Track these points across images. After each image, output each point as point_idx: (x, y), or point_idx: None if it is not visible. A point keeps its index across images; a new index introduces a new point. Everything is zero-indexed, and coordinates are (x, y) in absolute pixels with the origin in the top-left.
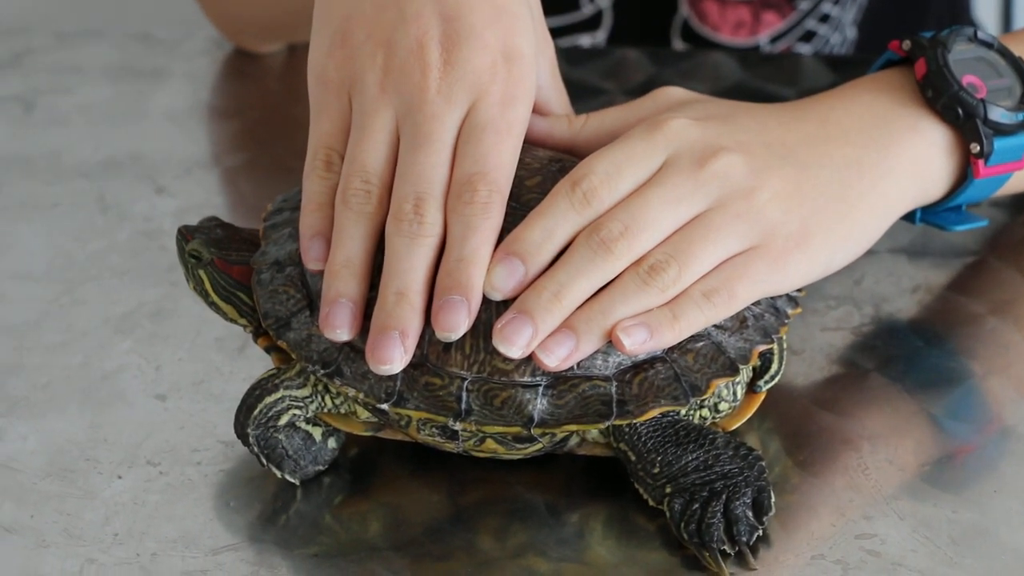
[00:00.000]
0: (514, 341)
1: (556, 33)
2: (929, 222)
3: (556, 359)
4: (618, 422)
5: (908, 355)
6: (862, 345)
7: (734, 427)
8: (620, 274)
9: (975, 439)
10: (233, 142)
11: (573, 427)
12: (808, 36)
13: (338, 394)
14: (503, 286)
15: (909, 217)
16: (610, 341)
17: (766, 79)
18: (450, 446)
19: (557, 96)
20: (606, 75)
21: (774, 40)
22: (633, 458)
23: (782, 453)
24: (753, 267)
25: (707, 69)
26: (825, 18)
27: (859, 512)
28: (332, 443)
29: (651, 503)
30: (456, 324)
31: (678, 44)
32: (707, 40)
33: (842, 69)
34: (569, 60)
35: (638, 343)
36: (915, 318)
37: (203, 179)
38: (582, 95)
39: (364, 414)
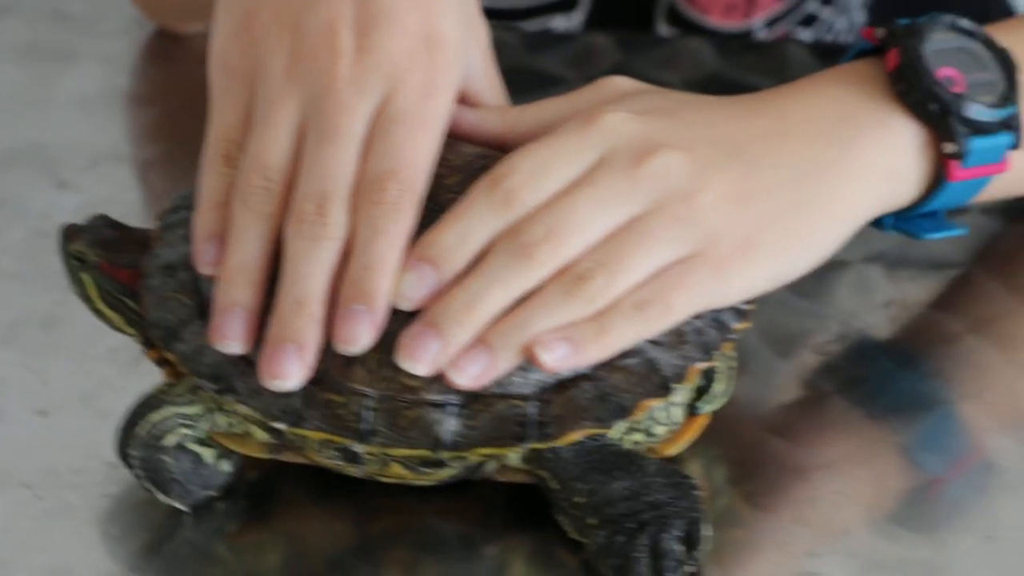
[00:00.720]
0: (420, 357)
1: (526, 14)
2: (900, 229)
3: (468, 377)
4: (536, 445)
5: (875, 377)
6: (824, 365)
7: (672, 453)
8: (543, 284)
9: (942, 471)
10: (149, 132)
11: (487, 451)
12: (809, 20)
13: (232, 412)
14: (412, 295)
15: (878, 223)
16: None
17: (748, 69)
18: (353, 470)
19: (490, 86)
20: (572, 63)
21: (771, 24)
22: (555, 486)
23: (726, 483)
24: (692, 276)
25: (683, 57)
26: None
27: (804, 548)
28: (225, 466)
29: (573, 535)
30: (358, 337)
31: (663, 29)
32: (695, 24)
33: (837, 60)
34: (530, 46)
35: (559, 359)
36: (886, 336)
37: (111, 173)
38: (544, 85)
39: (261, 435)
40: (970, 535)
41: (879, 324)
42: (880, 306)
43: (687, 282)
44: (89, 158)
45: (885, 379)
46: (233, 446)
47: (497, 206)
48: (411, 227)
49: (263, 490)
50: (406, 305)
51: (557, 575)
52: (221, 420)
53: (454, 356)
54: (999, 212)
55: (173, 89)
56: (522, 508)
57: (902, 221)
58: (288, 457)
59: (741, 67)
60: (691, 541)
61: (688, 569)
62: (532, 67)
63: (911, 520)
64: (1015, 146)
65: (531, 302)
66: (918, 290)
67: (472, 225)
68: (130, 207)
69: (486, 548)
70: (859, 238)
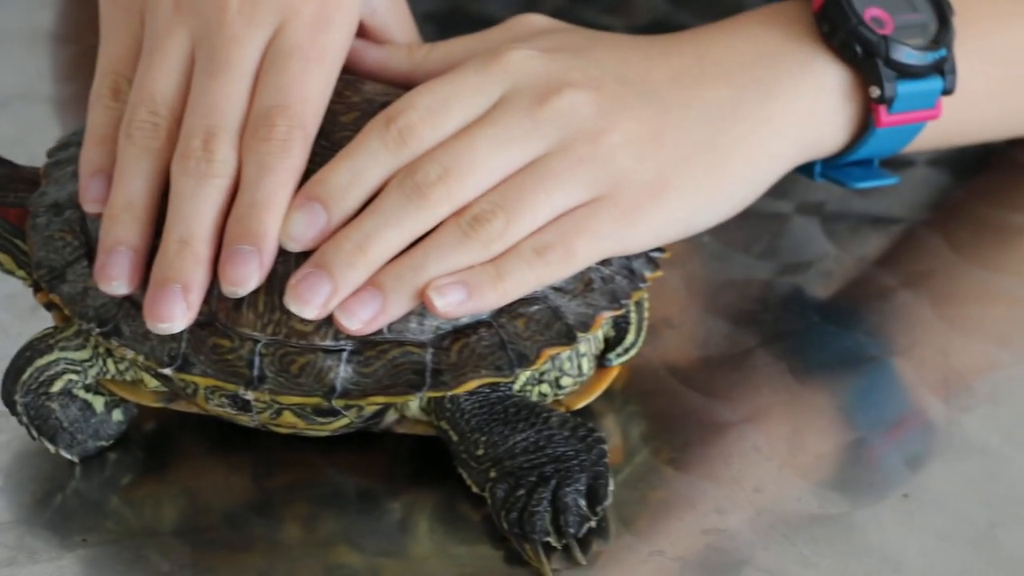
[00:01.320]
0: (309, 300)
1: None
2: (829, 177)
3: (359, 321)
4: (432, 394)
5: (800, 331)
6: (749, 318)
7: (580, 406)
8: (438, 226)
9: (865, 429)
10: (67, 71)
11: (381, 399)
12: None
13: (121, 358)
14: (301, 235)
15: (807, 171)
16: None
17: (699, 15)
18: (244, 419)
19: (398, 21)
20: (517, 7)
21: None
22: (455, 438)
23: (639, 439)
24: (597, 220)
25: (632, 2)
26: None
27: (712, 505)
28: (118, 415)
29: (475, 489)
30: (245, 278)
31: None
32: None
33: None
34: None
35: (453, 304)
36: (815, 290)
37: (22, 112)
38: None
39: (152, 382)
40: (885, 494)
41: (811, 278)
42: (812, 259)
43: (591, 226)
44: (1, 96)
45: (813, 334)
46: (124, 394)
47: (391, 144)
48: (300, 165)
49: (158, 441)
50: (294, 246)
51: (460, 530)
52: (111, 366)
53: (344, 300)
54: (947, 163)
55: (95, 27)
56: (425, 462)
57: (831, 169)
58: (182, 406)
59: (691, 12)
60: (594, 496)
61: (590, 525)
62: (475, 12)
63: (827, 478)
64: (947, 91)
65: (425, 244)
66: (855, 243)
67: (365, 163)
68: (39, 147)
69: (388, 503)
70: (797, 188)
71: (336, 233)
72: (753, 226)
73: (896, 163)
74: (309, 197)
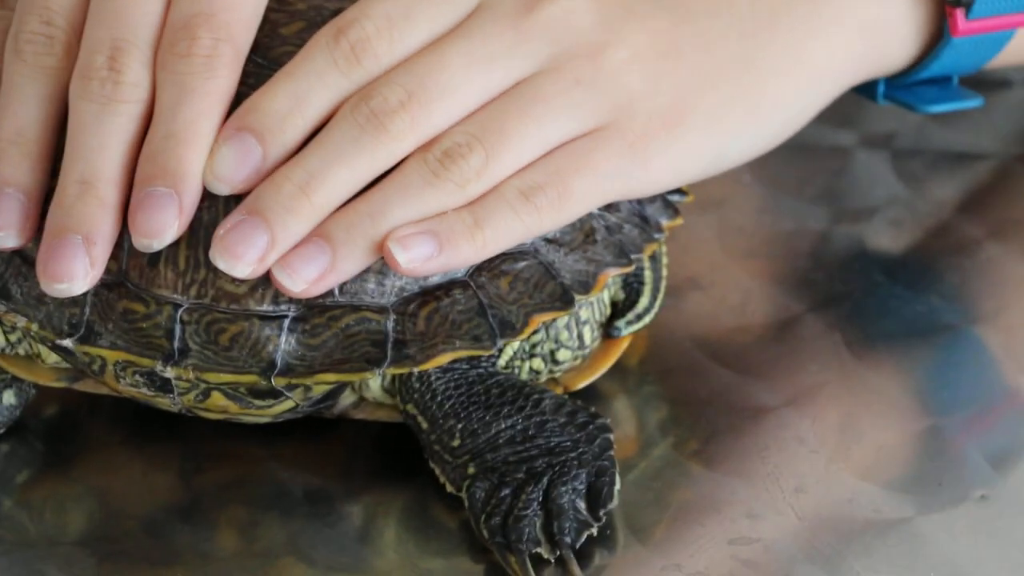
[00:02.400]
0: (241, 254)
1: None
2: (896, 100)
3: (303, 281)
4: (395, 370)
5: (860, 294)
6: (795, 277)
7: (581, 385)
8: (401, 163)
9: (933, 415)
10: None
11: (331, 377)
12: None
13: (12, 327)
14: (230, 175)
15: (869, 92)
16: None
17: None
18: (164, 402)
19: None
20: None
21: None
22: (425, 426)
23: (655, 427)
24: (599, 155)
25: None
26: None
27: (743, 508)
28: (10, 398)
29: (450, 489)
30: (161, 227)
31: None
32: None
33: None
34: None
35: (419, 259)
36: (880, 242)
37: None
38: None
39: (51, 357)
40: (960, 496)
41: (873, 227)
42: (878, 204)
43: (592, 162)
44: None
45: (875, 297)
46: (17, 372)
47: (341, 62)
48: (229, 88)
49: (60, 430)
50: (222, 188)
51: (432, 539)
52: (1, 338)
53: (285, 254)
54: None
55: None
56: (390, 455)
57: (899, 89)
58: (89, 387)
59: None
60: (596, 498)
61: (590, 533)
62: None
63: (887, 476)
64: None
65: (384, 186)
66: (932, 186)
67: (309, 86)
68: None
69: (345, 506)
70: (860, 115)
71: (274, 172)
72: (805, 163)
73: (983, 83)
74: (240, 128)
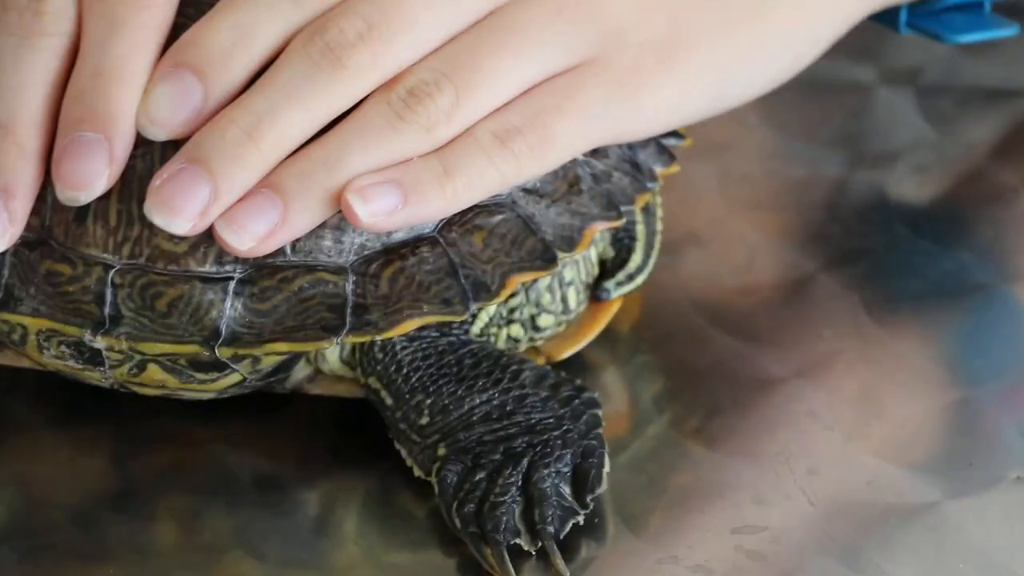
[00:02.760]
0: (180, 207)
1: None
2: (920, 29)
3: (251, 237)
4: (355, 338)
5: (880, 250)
6: (808, 231)
7: (566, 355)
8: (361, 103)
9: (964, 387)
10: None
11: (283, 347)
12: None
13: None
14: (167, 117)
15: (890, 20)
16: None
17: None
18: (93, 376)
19: None
20: None
21: None
22: (390, 401)
23: (650, 401)
24: (584, 94)
25: None
26: None
27: (749, 493)
28: None
29: (418, 473)
30: (89, 177)
31: None
32: None
33: None
34: None
35: (382, 212)
36: (904, 191)
37: None
38: None
39: None
40: (994, 477)
41: (899, 175)
42: (903, 148)
43: (577, 101)
44: None
45: (897, 253)
46: None
47: None
48: (165, 18)
49: None
50: (158, 133)
51: (398, 530)
52: None
53: (230, 207)
54: None
55: None
56: (351, 436)
57: (922, 17)
58: (8, 359)
59: None
60: (583, 482)
61: (576, 521)
62: None
63: (912, 456)
64: None
65: (342, 129)
66: (962, 127)
67: (256, 16)
68: None
69: (300, 493)
70: (881, 48)
71: (217, 115)
72: (818, 101)
73: (1019, 9)
74: (178, 64)
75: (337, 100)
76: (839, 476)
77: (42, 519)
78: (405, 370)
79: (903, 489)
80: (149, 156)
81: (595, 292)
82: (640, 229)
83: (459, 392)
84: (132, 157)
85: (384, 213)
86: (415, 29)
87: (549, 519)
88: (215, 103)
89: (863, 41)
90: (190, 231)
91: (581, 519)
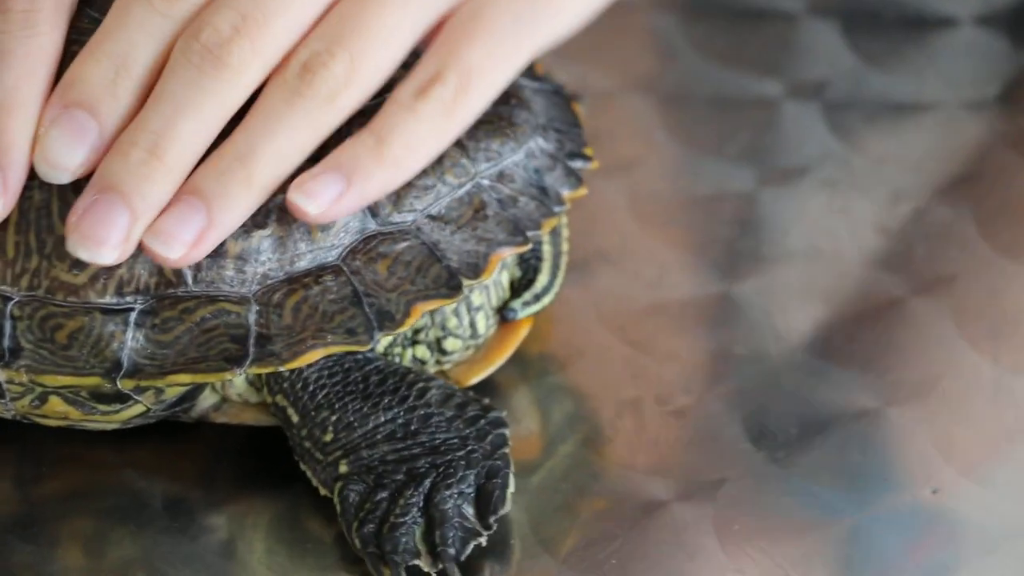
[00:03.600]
0: (103, 238)
1: None
2: None
3: (180, 245)
4: (258, 370)
5: (791, 263)
6: (718, 248)
7: (474, 381)
8: (262, 92)
9: (877, 399)
10: None
11: (186, 378)
12: None
13: None
14: (67, 159)
15: None
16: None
17: None
18: None
19: None
20: None
21: None
22: (296, 419)
23: (563, 421)
24: (488, 9)
25: None
26: None
27: (665, 512)
28: None
29: (323, 492)
30: None
31: None
32: None
33: None
34: None
35: (329, 202)
36: (813, 205)
37: None
38: None
39: None
40: (909, 491)
41: (807, 189)
42: (811, 163)
43: (483, 23)
44: None
45: (808, 266)
46: None
47: (158, 2)
48: (54, 46)
49: None
50: (62, 176)
51: (308, 554)
52: None
53: (154, 222)
54: (1002, 23)
55: None
56: (259, 459)
57: None
58: None
59: None
60: (486, 502)
61: (478, 542)
62: None
63: (828, 473)
64: None
65: (247, 121)
66: (869, 140)
67: (130, 39)
68: None
69: (208, 517)
70: (789, 64)
71: (116, 142)
72: (725, 117)
73: (925, 22)
74: (67, 104)
75: (230, 99)
76: (754, 490)
77: None
78: (311, 387)
79: (819, 505)
80: (46, 187)
81: (502, 312)
82: (547, 250)
83: (364, 409)
84: (28, 188)
85: (331, 202)
86: (290, 10)
87: (450, 540)
88: (111, 132)
89: (769, 55)
90: (119, 258)
91: (484, 540)
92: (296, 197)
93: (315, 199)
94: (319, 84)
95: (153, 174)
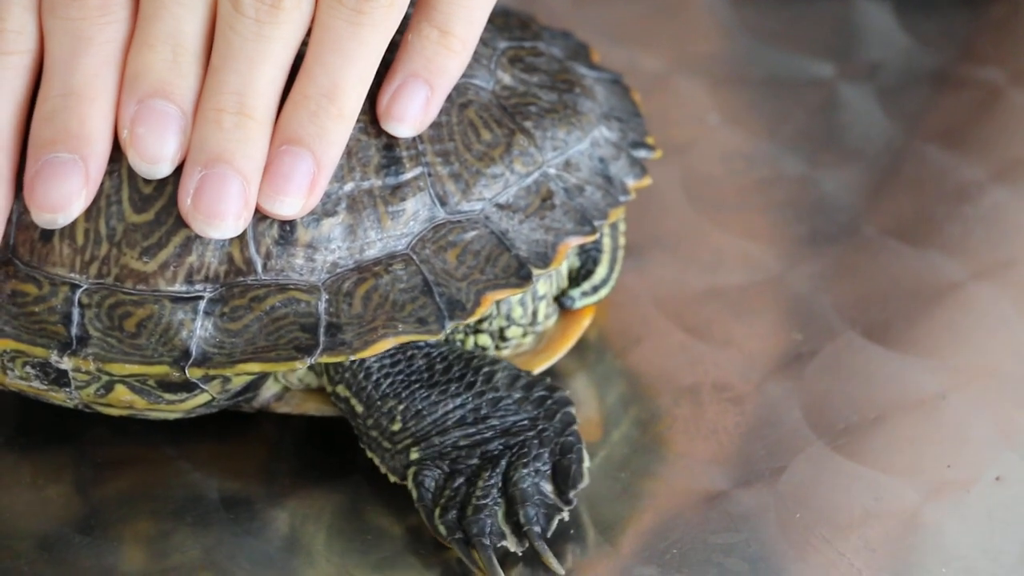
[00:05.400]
0: (223, 211)
1: None
2: None
3: (298, 196)
4: (329, 359)
5: (848, 248)
6: (774, 232)
7: (540, 369)
8: (317, 23)
9: (939, 384)
10: None
11: (255, 367)
12: None
13: None
14: (165, 151)
15: None
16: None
17: None
18: (59, 397)
19: None
20: None
21: None
22: (360, 409)
23: (619, 408)
24: None
25: None
26: None
27: (723, 499)
28: None
29: (392, 478)
30: (66, 199)
31: None
32: None
33: None
34: None
35: (418, 111)
36: (869, 189)
37: None
38: None
39: None
40: (971, 477)
41: (861, 171)
42: (865, 145)
43: None
44: None
45: (866, 252)
46: None
47: None
48: (128, 32)
49: None
50: (165, 168)
51: (373, 547)
52: None
53: (264, 180)
54: None
55: None
56: (319, 451)
57: None
58: None
59: None
60: (564, 477)
61: (562, 517)
62: None
63: (887, 459)
64: None
65: (318, 54)
66: (926, 122)
67: (175, 16)
68: None
69: (269, 511)
70: (840, 44)
71: (201, 111)
72: (779, 99)
73: (984, 2)
74: (141, 98)
75: (293, 37)
76: (814, 479)
77: (5, 548)
78: (375, 376)
79: (880, 493)
80: (116, 174)
81: (559, 300)
82: (606, 241)
83: (432, 396)
84: (104, 178)
85: (421, 111)
86: None
87: (534, 518)
88: (191, 110)
89: (822, 37)
90: (243, 226)
91: (566, 515)
92: (389, 124)
93: (406, 117)
94: (373, 3)
95: (250, 133)
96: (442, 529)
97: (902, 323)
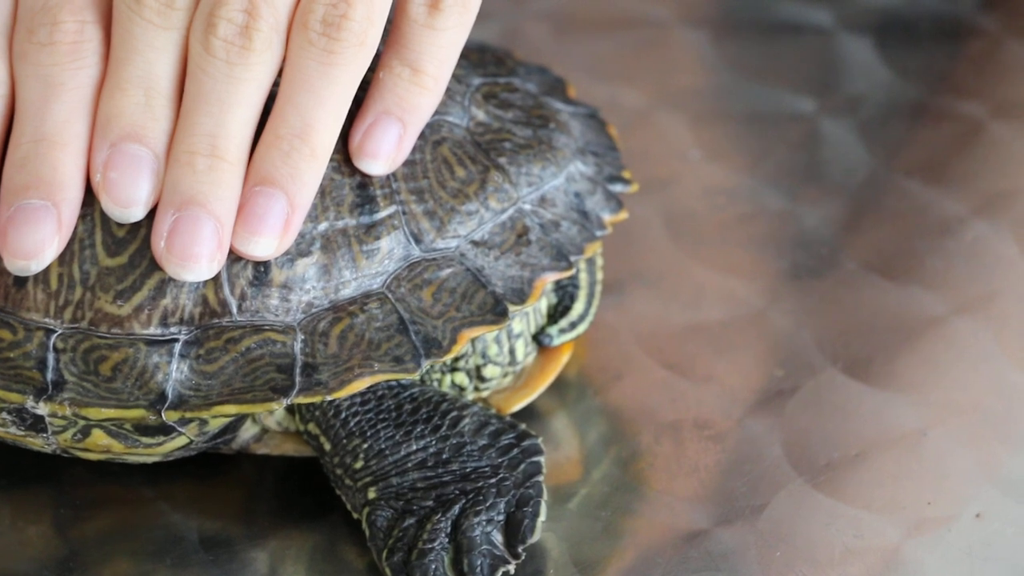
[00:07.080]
0: (197, 253)
1: None
2: None
3: (272, 236)
4: (305, 399)
5: (831, 284)
6: (755, 267)
7: (515, 408)
8: (288, 63)
9: (920, 419)
10: None
11: (231, 409)
12: None
13: None
14: (138, 194)
15: None
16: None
17: None
18: (36, 442)
19: None
20: None
21: None
22: (328, 447)
23: (599, 446)
24: None
25: None
26: None
27: (704, 537)
28: None
29: (356, 516)
30: (39, 246)
31: None
32: None
33: None
34: None
35: (391, 149)
36: (850, 224)
37: None
38: None
39: None
40: (952, 513)
41: (843, 207)
42: (847, 180)
43: None
44: None
45: (848, 287)
46: None
47: (154, 17)
48: (98, 76)
49: None
50: (138, 211)
51: None
52: None
53: (237, 222)
54: None
55: None
56: (295, 492)
57: None
58: None
59: None
60: (515, 530)
61: (506, 571)
62: None
63: (868, 496)
64: None
65: (289, 95)
66: (907, 157)
67: (145, 59)
68: None
69: (248, 551)
70: (822, 79)
71: (171, 157)
72: (761, 134)
73: (965, 37)
74: (113, 143)
75: (265, 78)
76: (795, 516)
77: None
78: (343, 414)
79: (861, 530)
80: (89, 218)
81: (537, 338)
82: (583, 277)
83: (396, 437)
84: (79, 220)
85: (394, 148)
86: None
87: (478, 568)
88: (164, 153)
89: (803, 71)
90: (216, 269)
91: (512, 568)
92: (362, 162)
93: (379, 155)
94: (346, 35)
95: (222, 175)
96: (388, 570)
97: (883, 358)
